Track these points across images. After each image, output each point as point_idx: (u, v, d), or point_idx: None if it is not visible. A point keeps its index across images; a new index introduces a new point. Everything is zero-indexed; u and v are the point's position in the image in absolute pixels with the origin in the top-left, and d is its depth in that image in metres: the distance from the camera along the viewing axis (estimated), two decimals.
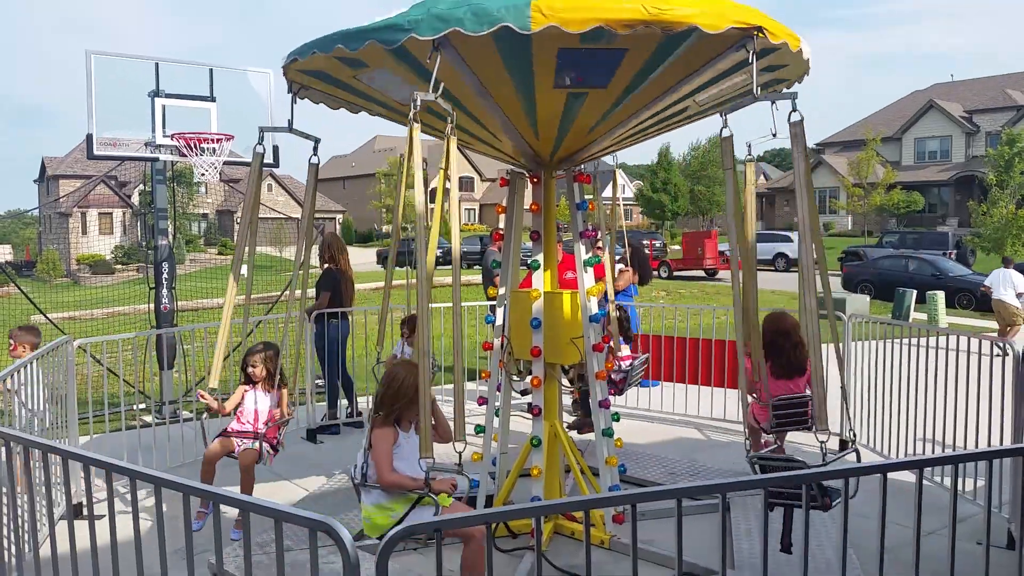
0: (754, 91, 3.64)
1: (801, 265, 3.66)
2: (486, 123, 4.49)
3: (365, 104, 4.75)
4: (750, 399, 4.83)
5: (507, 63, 3.77)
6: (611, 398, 5.04)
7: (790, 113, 3.61)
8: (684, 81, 4.07)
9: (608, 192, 6.00)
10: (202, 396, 4.88)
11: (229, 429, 5.07)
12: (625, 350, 6.10)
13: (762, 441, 5.33)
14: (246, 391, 5.14)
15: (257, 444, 4.94)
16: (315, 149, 4.80)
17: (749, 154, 4.48)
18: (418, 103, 3.45)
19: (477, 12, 3.34)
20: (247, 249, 4.68)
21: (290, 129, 4.60)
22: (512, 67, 3.81)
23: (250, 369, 5.11)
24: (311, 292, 7.47)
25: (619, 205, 6.13)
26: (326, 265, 7.81)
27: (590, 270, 4.93)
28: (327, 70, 4.17)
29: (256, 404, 5.12)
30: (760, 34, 3.56)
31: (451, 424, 3.80)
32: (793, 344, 4.99)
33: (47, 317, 10.35)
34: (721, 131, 3.91)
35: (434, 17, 3.39)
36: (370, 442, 3.60)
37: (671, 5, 3.34)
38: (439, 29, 3.38)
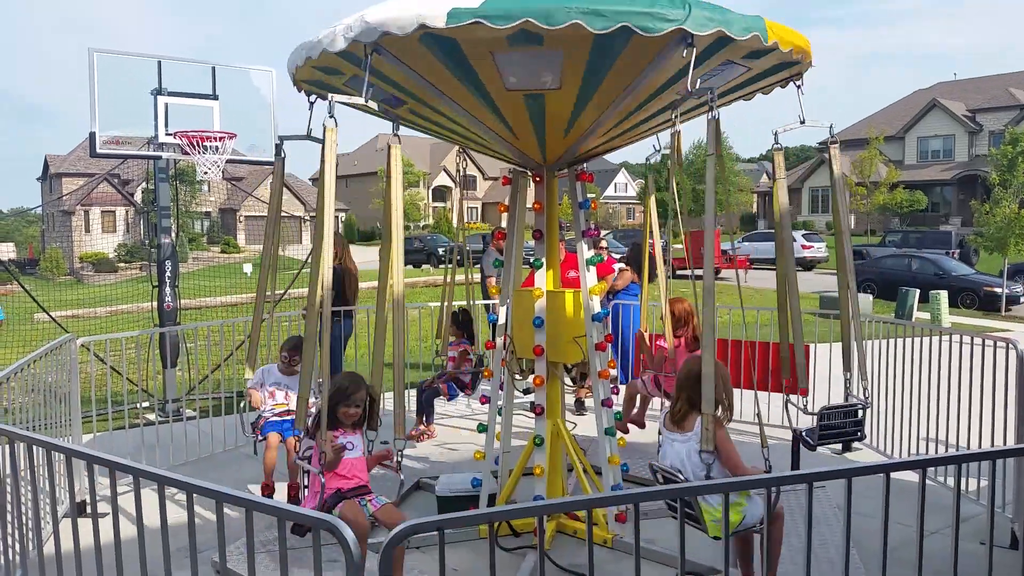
0: (800, 116, 4.40)
1: (839, 258, 4.68)
2: (493, 127, 4.44)
3: (450, 90, 4.08)
4: (648, 374, 6.29)
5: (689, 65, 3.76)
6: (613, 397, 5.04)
7: (828, 139, 4.65)
8: (729, 92, 4.44)
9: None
10: (333, 446, 3.94)
11: (341, 489, 4.01)
12: None
13: (634, 411, 6.67)
14: (336, 437, 4.05)
15: (384, 498, 4.14)
16: (394, 128, 4.08)
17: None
18: (714, 95, 3.55)
19: (738, 20, 3.49)
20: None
21: (365, 107, 4.15)
22: (683, 70, 3.70)
23: (353, 410, 4.12)
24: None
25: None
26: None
27: (592, 269, 4.93)
28: (474, 43, 3.54)
29: (352, 451, 4.12)
30: (811, 64, 4.21)
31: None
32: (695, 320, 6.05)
33: (50, 315, 10.37)
34: (773, 147, 4.50)
35: (702, 15, 3.37)
36: (714, 443, 3.63)
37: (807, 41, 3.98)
38: (707, 27, 3.37)
